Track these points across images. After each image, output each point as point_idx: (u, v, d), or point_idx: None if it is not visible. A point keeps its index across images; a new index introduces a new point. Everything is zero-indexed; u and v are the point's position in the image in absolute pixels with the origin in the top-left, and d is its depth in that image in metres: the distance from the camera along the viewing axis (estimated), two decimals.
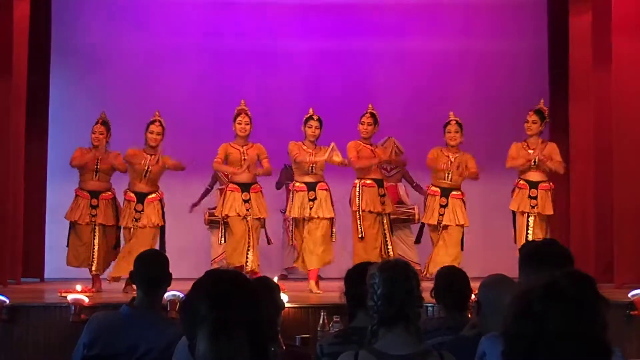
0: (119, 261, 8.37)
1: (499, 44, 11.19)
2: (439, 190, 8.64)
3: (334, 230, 8.59)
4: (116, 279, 8.31)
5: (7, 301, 6.92)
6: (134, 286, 4.90)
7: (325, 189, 8.51)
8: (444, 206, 8.59)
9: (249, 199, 8.41)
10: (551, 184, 8.69)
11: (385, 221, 8.61)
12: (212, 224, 9.84)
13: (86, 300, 6.96)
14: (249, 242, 8.33)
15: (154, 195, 8.49)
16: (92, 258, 8.54)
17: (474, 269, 7.69)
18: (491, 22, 11.25)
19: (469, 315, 4.32)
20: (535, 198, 8.53)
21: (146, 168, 8.39)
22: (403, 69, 11.23)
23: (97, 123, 8.65)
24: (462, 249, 8.62)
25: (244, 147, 8.52)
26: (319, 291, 8.27)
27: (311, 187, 8.47)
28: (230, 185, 8.58)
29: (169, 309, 6.64)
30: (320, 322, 5.30)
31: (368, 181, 8.58)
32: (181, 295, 6.36)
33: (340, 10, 11.28)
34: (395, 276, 3.06)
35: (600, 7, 8.90)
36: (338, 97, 10.73)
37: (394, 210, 8.99)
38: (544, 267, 3.20)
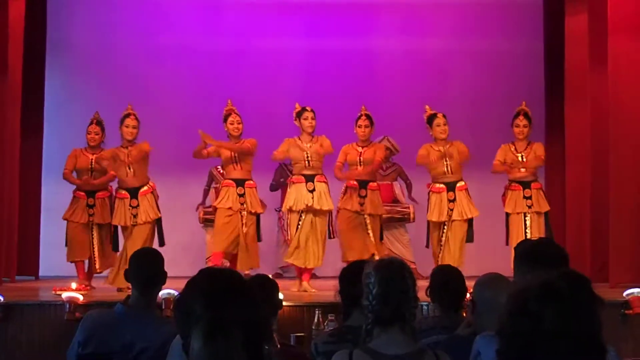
0: (121, 271, 8.34)
1: (495, 44, 11.19)
2: (445, 187, 8.56)
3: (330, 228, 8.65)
4: (121, 290, 8.12)
5: (2, 299, 6.92)
6: (129, 284, 4.89)
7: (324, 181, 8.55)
8: (452, 201, 8.52)
9: (244, 193, 8.46)
10: (540, 182, 8.76)
11: (368, 222, 8.60)
12: (207, 222, 9.86)
13: (81, 298, 6.96)
14: (238, 235, 8.40)
15: (145, 188, 8.48)
16: (93, 257, 8.60)
17: (468, 267, 7.70)
18: (487, 23, 11.24)
19: (464, 314, 4.32)
20: (530, 198, 8.55)
21: (127, 160, 8.39)
22: (398, 68, 11.22)
23: (91, 123, 8.74)
24: (472, 240, 8.57)
25: (237, 144, 8.58)
26: (313, 290, 8.28)
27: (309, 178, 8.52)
28: (225, 181, 8.67)
29: (164, 307, 6.63)
30: (315, 320, 5.30)
31: (353, 182, 8.64)
32: (176, 293, 6.35)
33: (339, 9, 11.27)
34: (391, 276, 3.04)
35: (596, 8, 8.90)
36: (335, 97, 10.71)
37: (381, 212, 8.83)
38: (539, 266, 3.21)
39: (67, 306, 6.80)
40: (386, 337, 3.01)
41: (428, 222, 8.68)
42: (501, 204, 8.76)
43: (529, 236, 8.34)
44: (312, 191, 8.44)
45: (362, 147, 8.68)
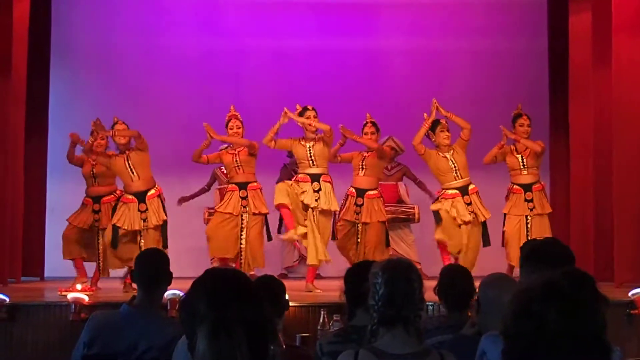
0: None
1: (498, 43, 11.19)
2: (458, 192, 8.50)
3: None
4: (127, 291, 8.09)
5: (7, 300, 6.93)
6: (134, 285, 4.90)
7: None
8: (469, 204, 8.48)
9: (246, 196, 8.50)
10: (542, 183, 8.75)
11: (360, 230, 8.60)
12: None
13: (86, 299, 6.96)
14: (240, 237, 8.43)
15: (153, 191, 8.47)
16: (99, 262, 8.66)
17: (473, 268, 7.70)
18: (490, 22, 11.24)
19: (469, 314, 4.32)
20: (532, 200, 8.56)
21: (127, 163, 8.38)
22: (400, 68, 11.22)
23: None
24: (489, 244, 8.53)
25: (237, 149, 8.63)
26: (318, 290, 8.29)
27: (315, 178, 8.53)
28: (230, 185, 8.72)
29: (169, 307, 6.64)
30: (320, 321, 5.30)
31: (352, 189, 8.71)
32: (181, 294, 6.35)
33: (340, 9, 11.27)
34: (397, 277, 3.05)
35: (600, 6, 8.89)
36: (336, 97, 10.72)
37: (381, 219, 8.74)
38: (545, 266, 3.20)
39: (73, 307, 6.81)
40: (391, 337, 3.01)
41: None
42: (503, 205, 8.77)
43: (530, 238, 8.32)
44: (317, 191, 8.46)
45: (367, 152, 8.71)
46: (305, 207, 8.44)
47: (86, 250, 8.85)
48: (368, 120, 8.73)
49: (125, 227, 8.31)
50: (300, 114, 8.57)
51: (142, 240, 8.31)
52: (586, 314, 1.75)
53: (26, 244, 9.66)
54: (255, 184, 8.62)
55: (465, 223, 8.41)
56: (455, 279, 4.31)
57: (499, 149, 8.67)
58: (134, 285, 4.85)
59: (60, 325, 6.85)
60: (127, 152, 8.43)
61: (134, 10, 11.23)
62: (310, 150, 8.51)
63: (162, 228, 8.47)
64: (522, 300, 1.79)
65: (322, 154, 8.52)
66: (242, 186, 8.56)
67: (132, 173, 8.41)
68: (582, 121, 9.37)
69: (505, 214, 8.67)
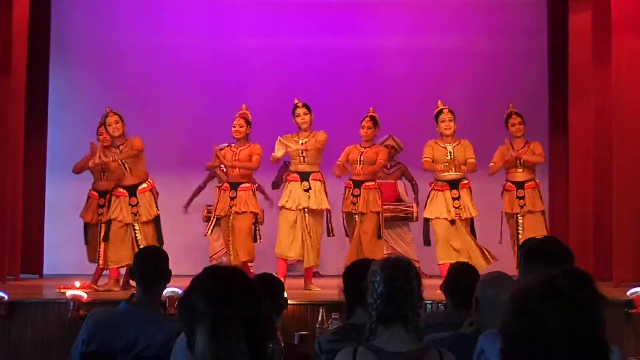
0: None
1: (499, 42, 11.18)
2: (447, 185, 8.52)
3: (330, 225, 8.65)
4: (127, 288, 8.13)
5: (6, 297, 6.93)
6: (133, 282, 4.90)
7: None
8: (457, 198, 8.49)
9: (235, 196, 8.54)
10: (537, 181, 8.73)
11: (358, 220, 8.60)
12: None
13: (85, 296, 6.97)
14: (229, 238, 8.52)
15: (144, 185, 8.42)
16: (98, 254, 8.57)
17: None
18: (490, 21, 11.23)
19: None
20: (523, 198, 8.57)
21: (119, 159, 8.34)
22: (402, 67, 11.21)
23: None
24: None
25: (239, 148, 8.64)
26: (317, 288, 8.29)
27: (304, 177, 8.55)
28: (224, 184, 8.79)
29: (167, 305, 6.64)
30: (319, 319, 5.30)
31: (349, 181, 8.75)
32: (180, 291, 6.35)
33: (341, 8, 11.27)
34: (396, 275, 3.05)
35: (600, 5, 8.89)
36: (337, 96, 10.73)
37: (377, 209, 8.75)
38: (544, 265, 3.20)
39: (72, 304, 6.82)
40: (390, 335, 3.01)
41: (426, 220, 8.66)
42: (501, 203, 8.78)
43: (521, 237, 8.32)
44: (307, 190, 8.45)
45: (365, 148, 8.72)
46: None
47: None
48: (368, 114, 8.76)
49: (120, 220, 8.27)
50: (292, 112, 8.59)
51: (139, 236, 8.29)
52: (585, 313, 1.75)
53: (25, 241, 9.67)
54: (247, 184, 8.64)
55: (450, 221, 8.40)
56: (460, 276, 4.30)
57: (504, 163, 8.65)
58: (133, 283, 4.85)
59: (59, 322, 6.85)
60: (120, 146, 8.38)
61: (134, 9, 11.22)
62: (301, 148, 8.49)
63: (156, 223, 8.43)
64: (520, 299, 1.79)
65: (314, 150, 8.51)
66: (233, 186, 8.60)
67: (125, 168, 8.38)
68: (582, 121, 9.38)
69: (504, 213, 8.69)
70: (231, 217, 8.51)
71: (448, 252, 8.32)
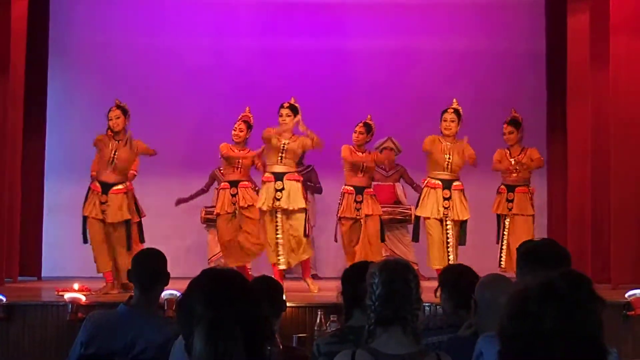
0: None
1: (496, 44, 11.17)
2: (440, 183, 8.53)
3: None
4: (126, 289, 7.94)
5: (4, 300, 6.93)
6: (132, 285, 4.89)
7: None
8: (448, 199, 8.49)
9: (236, 193, 8.55)
10: (531, 188, 8.78)
11: (363, 222, 8.62)
12: (209, 222, 9.84)
13: (83, 299, 6.96)
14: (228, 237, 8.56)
15: (120, 186, 8.16)
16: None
17: None
18: (488, 22, 11.22)
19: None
20: (512, 201, 8.63)
21: (112, 155, 8.11)
22: (399, 69, 11.21)
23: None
24: (464, 244, 8.53)
25: (241, 151, 8.67)
26: (316, 288, 8.29)
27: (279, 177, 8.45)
28: (223, 183, 8.80)
29: (166, 307, 6.64)
30: (318, 321, 5.30)
31: (349, 187, 8.72)
32: (178, 294, 6.35)
33: (341, 10, 11.27)
34: (395, 277, 3.05)
35: (599, 7, 8.89)
36: (337, 96, 10.73)
37: (379, 212, 8.80)
38: (541, 267, 3.20)
39: (70, 307, 6.81)
40: (388, 337, 3.01)
41: (417, 217, 8.69)
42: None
43: (506, 239, 8.51)
44: (280, 190, 8.36)
45: (361, 153, 8.72)
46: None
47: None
48: (363, 121, 8.77)
49: (93, 216, 8.05)
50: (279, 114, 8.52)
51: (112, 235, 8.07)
52: (583, 315, 1.75)
53: (23, 243, 9.65)
54: (246, 182, 8.67)
55: (440, 220, 8.41)
56: (458, 278, 4.29)
57: (504, 168, 8.71)
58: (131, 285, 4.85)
59: (58, 325, 6.85)
60: (119, 142, 8.18)
61: (133, 10, 11.21)
62: (284, 146, 8.45)
63: (127, 228, 8.13)
64: (518, 301, 1.78)
65: (294, 153, 8.47)
66: (233, 184, 8.61)
67: (112, 162, 8.11)
68: (580, 122, 9.37)
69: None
70: (237, 216, 8.52)
71: (444, 257, 8.33)
